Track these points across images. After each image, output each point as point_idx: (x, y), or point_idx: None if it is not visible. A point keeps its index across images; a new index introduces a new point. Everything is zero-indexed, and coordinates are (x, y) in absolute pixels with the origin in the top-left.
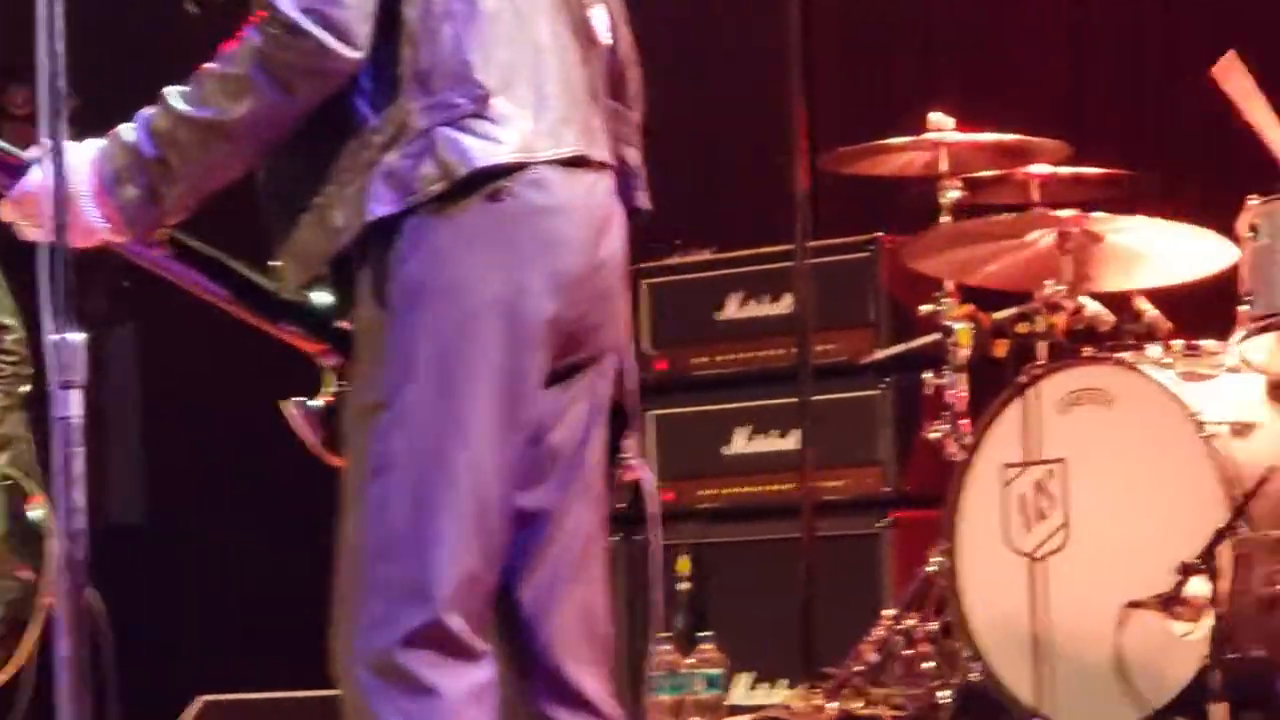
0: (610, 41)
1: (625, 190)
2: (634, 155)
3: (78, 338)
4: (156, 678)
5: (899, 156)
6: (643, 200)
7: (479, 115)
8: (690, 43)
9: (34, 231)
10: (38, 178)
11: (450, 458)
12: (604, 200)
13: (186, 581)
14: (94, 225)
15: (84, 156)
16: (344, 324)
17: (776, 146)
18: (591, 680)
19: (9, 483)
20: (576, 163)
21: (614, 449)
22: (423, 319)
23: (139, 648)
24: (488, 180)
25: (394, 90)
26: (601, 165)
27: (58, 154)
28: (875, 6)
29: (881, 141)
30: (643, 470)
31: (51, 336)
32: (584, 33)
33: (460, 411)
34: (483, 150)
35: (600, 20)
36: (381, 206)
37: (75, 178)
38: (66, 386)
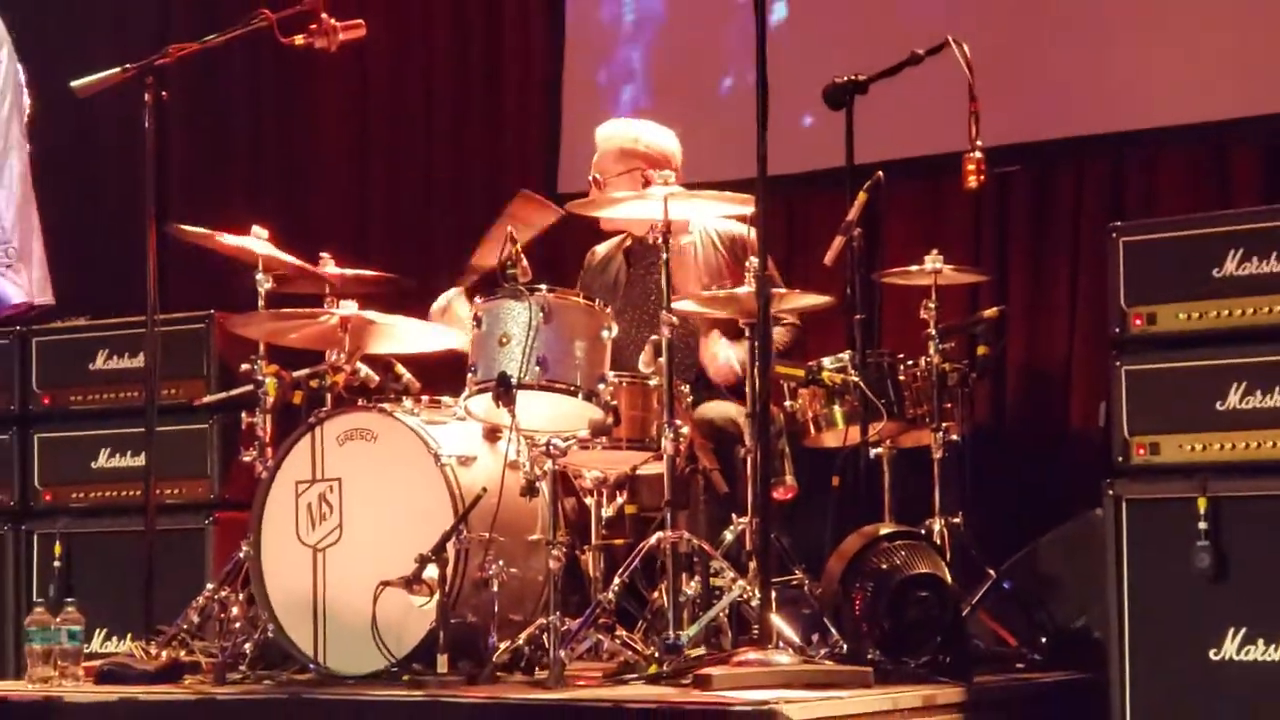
0: None
1: None
2: None
3: None
4: None
5: (230, 248)
6: None
7: None
8: (69, 130)
9: None
10: None
11: None
12: None
13: None
14: None
15: None
16: None
17: (140, 229)
18: None
19: None
20: None
21: None
22: None
23: None
24: None
25: None
26: None
27: None
28: (217, 124)
29: (214, 234)
30: None
31: None
32: None
33: None
34: None
35: None
36: None
37: None
38: None
